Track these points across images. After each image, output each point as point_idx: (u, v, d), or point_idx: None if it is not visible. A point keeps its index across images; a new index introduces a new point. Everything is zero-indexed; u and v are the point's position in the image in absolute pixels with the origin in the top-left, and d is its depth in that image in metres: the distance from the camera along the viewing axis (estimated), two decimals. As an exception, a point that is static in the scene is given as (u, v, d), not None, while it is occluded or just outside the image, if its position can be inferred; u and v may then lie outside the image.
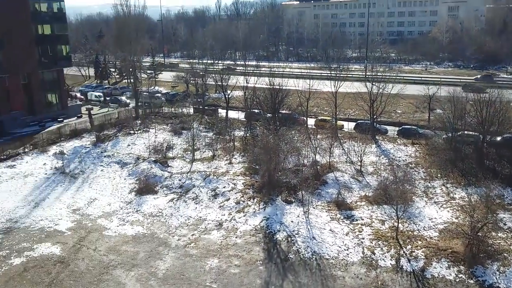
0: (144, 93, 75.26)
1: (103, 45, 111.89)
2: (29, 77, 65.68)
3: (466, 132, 47.68)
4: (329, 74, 69.89)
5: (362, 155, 45.18)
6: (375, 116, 55.21)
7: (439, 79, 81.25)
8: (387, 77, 58.26)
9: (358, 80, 69.64)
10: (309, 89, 61.12)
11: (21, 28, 62.82)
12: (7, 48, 60.64)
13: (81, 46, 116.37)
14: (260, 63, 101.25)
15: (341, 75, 66.27)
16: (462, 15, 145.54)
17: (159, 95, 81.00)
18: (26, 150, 52.01)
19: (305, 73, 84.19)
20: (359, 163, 45.08)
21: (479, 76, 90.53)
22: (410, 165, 45.28)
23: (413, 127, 55.38)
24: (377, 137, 53.43)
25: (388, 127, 57.38)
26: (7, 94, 62.32)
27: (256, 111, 61.26)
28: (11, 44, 61.04)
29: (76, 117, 67.50)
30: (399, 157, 47.68)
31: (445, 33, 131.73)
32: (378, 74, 59.37)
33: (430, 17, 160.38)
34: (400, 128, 56.16)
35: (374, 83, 54.68)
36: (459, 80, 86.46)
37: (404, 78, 73.88)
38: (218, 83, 69.69)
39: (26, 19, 64.06)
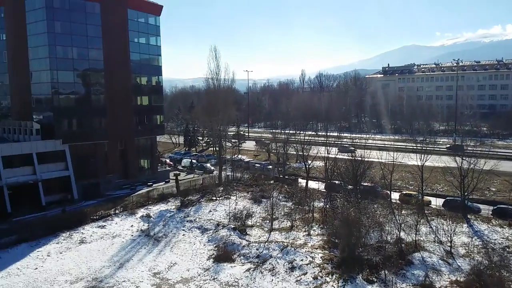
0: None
1: (194, 115, 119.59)
2: (126, 143, 71.54)
3: None
4: (415, 147, 67.58)
5: (452, 235, 41.87)
6: (466, 193, 51.58)
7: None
8: (479, 151, 54.95)
9: (447, 154, 66.43)
10: (393, 161, 59.28)
11: (123, 99, 69.71)
12: (109, 116, 67.26)
13: (173, 116, 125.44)
14: (342, 134, 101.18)
15: (427, 148, 63.78)
16: None
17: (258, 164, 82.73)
18: (117, 211, 55.44)
19: (389, 145, 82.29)
20: (449, 244, 41.70)
21: None
22: (508, 249, 40.94)
23: (510, 206, 50.72)
24: (468, 216, 49.52)
25: (481, 206, 53.04)
26: (105, 158, 68.17)
27: (336, 182, 60.36)
28: (113, 113, 67.66)
29: (164, 182, 71.36)
30: (495, 240, 43.47)
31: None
32: (469, 148, 56.30)
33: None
34: (495, 207, 51.69)
35: (464, 158, 51.74)
36: None
37: (498, 153, 69.19)
38: (299, 153, 70.36)
39: (129, 91, 71.12)
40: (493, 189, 60.95)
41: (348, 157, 59.58)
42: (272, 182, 68.10)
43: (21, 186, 57.09)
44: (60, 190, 61.61)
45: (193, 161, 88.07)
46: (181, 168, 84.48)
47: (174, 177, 69.00)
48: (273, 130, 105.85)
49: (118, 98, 68.57)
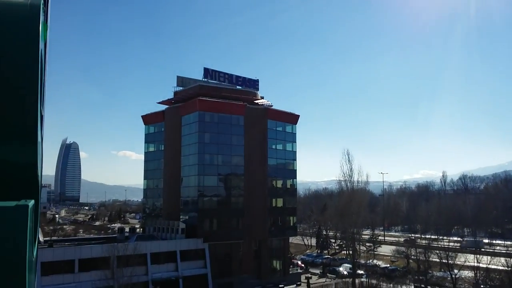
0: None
1: (326, 217, 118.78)
2: (259, 244, 73.45)
3: None
4: None
5: None
6: None
7: None
8: None
9: None
10: None
11: (259, 201, 73.25)
12: (246, 216, 70.78)
13: (306, 218, 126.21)
14: (494, 241, 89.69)
15: None
16: None
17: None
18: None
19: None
20: None
21: None
22: None
23: None
24: None
25: None
26: (240, 258, 70.49)
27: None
28: (250, 214, 71.10)
29: (295, 285, 70.25)
30: None
31: None
32: None
33: None
34: None
35: None
36: None
37: None
38: (443, 261, 64.02)
39: (264, 193, 74.77)
40: None
41: (503, 268, 52.37)
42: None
43: (163, 281, 61.29)
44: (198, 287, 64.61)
45: (322, 262, 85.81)
46: (313, 271, 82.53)
47: (306, 280, 67.63)
48: (412, 235, 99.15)
49: (255, 200, 72.33)
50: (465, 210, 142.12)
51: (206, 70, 76.37)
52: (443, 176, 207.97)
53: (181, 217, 71.77)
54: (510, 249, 64.29)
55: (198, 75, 77.70)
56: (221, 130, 71.35)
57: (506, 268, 51.42)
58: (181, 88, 79.24)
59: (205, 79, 76.54)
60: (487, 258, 60.57)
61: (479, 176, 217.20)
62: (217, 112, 71.43)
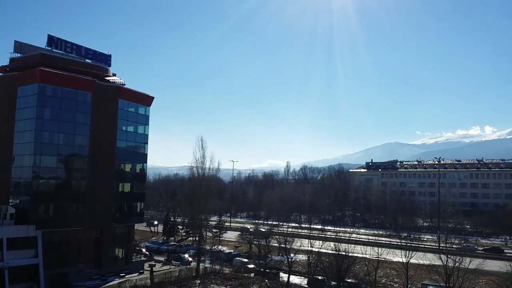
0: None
1: (175, 204, 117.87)
2: (102, 231, 68.84)
3: None
4: (399, 243, 66.45)
5: None
6: (452, 293, 49.69)
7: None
8: (465, 250, 54.09)
9: (431, 251, 65.24)
10: (378, 257, 57.73)
11: (105, 185, 68.37)
12: (88, 202, 65.43)
13: (154, 204, 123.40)
14: (326, 227, 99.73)
15: (412, 244, 62.70)
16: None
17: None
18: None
19: (373, 240, 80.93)
20: None
21: None
22: None
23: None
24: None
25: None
26: (78, 246, 64.95)
27: (319, 277, 58.06)
28: (92, 199, 65.91)
29: (138, 273, 67.68)
30: None
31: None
32: (453, 246, 55.49)
33: (506, 189, 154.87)
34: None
35: (449, 256, 50.68)
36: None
37: (483, 252, 68.28)
38: (282, 245, 68.46)
39: (111, 177, 70.05)
40: (480, 290, 59.09)
41: (332, 252, 57.99)
42: (252, 275, 65.24)
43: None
44: (28, 279, 57.56)
45: (167, 249, 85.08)
46: (158, 258, 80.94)
47: (149, 268, 65.77)
48: (256, 221, 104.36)
49: (99, 184, 67.33)
50: (303, 198, 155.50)
51: (51, 38, 68.01)
52: (287, 166, 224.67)
53: (10, 201, 62.98)
54: (339, 234, 71.77)
55: (42, 44, 68.94)
56: (65, 106, 64.29)
57: (334, 251, 57.11)
58: (19, 55, 69.33)
59: (49, 48, 68.13)
60: (319, 243, 66.53)
61: (317, 168, 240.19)
62: (61, 86, 63.96)
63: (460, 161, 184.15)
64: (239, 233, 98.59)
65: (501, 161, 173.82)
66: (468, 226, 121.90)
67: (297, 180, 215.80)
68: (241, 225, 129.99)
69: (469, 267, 50.04)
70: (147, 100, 77.51)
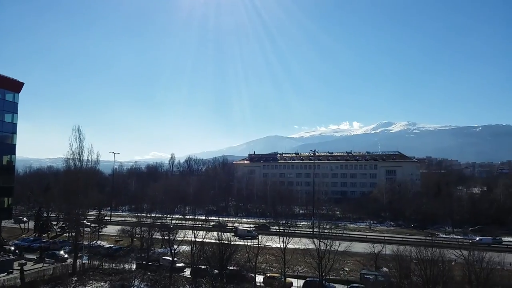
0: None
1: (49, 198, 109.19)
2: (-40, 229, 61.39)
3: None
4: (278, 230, 70.46)
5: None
6: (323, 274, 54.48)
7: (383, 238, 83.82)
8: (334, 234, 59.39)
9: (306, 236, 70.37)
10: (258, 244, 60.61)
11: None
12: None
13: (24, 199, 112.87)
14: (210, 218, 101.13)
15: (289, 231, 66.96)
16: (399, 179, 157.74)
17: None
18: None
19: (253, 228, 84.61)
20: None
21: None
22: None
23: (361, 285, 54.77)
24: (326, 296, 51.92)
25: (336, 285, 56.34)
26: None
27: (203, 267, 59.03)
28: None
29: (6, 273, 61.71)
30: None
31: (385, 194, 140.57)
32: (325, 231, 60.53)
33: (370, 179, 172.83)
34: (348, 286, 55.32)
35: (321, 240, 55.32)
36: (401, 239, 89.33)
37: (350, 235, 75.64)
38: (165, 237, 67.99)
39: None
40: (347, 269, 65.58)
41: (215, 241, 59.27)
42: (134, 269, 63.79)
43: None
44: None
45: (40, 247, 79.01)
46: (29, 256, 74.57)
47: (19, 267, 60.42)
48: (138, 214, 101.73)
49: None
50: (188, 189, 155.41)
51: None
52: (171, 158, 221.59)
53: None
54: (222, 223, 73.47)
55: None
56: None
57: (217, 241, 58.47)
58: None
59: None
60: (203, 233, 67.49)
61: (202, 159, 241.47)
62: None
63: (332, 153, 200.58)
64: (120, 227, 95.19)
65: (366, 153, 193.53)
66: (338, 212, 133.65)
67: (182, 172, 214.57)
68: (123, 219, 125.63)
69: (338, 249, 55.31)
70: (15, 86, 70.67)
